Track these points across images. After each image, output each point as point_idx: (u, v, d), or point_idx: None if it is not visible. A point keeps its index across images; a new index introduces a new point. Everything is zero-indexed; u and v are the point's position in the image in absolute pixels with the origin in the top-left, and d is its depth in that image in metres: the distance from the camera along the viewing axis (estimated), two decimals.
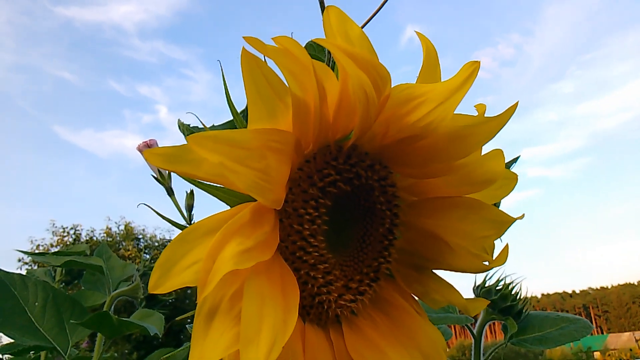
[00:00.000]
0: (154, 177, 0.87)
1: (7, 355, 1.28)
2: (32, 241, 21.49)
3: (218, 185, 0.42)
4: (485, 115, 0.47)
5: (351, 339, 0.48)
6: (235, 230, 0.36)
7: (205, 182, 0.41)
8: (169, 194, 0.87)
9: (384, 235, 0.51)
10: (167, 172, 0.88)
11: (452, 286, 0.55)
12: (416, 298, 0.55)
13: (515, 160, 0.77)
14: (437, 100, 0.42)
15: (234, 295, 0.37)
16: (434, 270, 0.55)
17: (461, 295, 0.55)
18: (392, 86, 0.43)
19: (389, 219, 0.51)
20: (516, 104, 0.45)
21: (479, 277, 0.99)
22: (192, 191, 0.85)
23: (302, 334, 0.45)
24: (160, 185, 0.87)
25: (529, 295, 0.96)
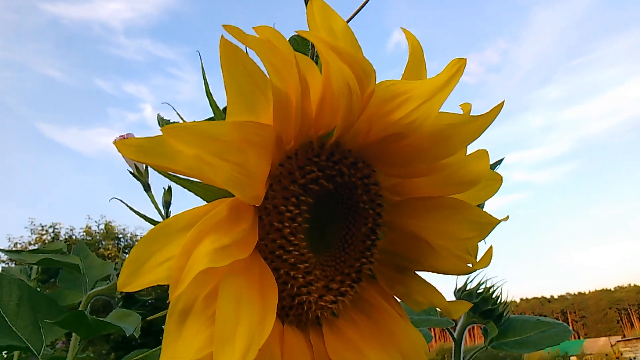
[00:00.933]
0: (130, 172, 0.84)
1: None
2: (10, 239, 21.07)
3: (194, 180, 0.40)
4: (471, 115, 0.46)
5: (331, 340, 0.47)
6: (211, 227, 0.35)
7: (180, 176, 0.40)
8: (145, 189, 0.85)
9: (367, 235, 0.50)
10: (144, 166, 0.86)
11: (435, 288, 0.54)
12: (398, 300, 0.54)
13: (500, 161, 0.77)
14: (422, 97, 0.41)
15: (209, 295, 0.36)
16: (416, 272, 0.54)
17: (444, 297, 0.54)
18: (376, 82, 0.42)
19: (372, 218, 0.50)
20: (502, 103, 0.45)
21: (460, 280, 0.99)
22: (169, 187, 0.82)
23: (281, 335, 0.43)
24: (137, 181, 0.85)
25: (508, 300, 0.96)
